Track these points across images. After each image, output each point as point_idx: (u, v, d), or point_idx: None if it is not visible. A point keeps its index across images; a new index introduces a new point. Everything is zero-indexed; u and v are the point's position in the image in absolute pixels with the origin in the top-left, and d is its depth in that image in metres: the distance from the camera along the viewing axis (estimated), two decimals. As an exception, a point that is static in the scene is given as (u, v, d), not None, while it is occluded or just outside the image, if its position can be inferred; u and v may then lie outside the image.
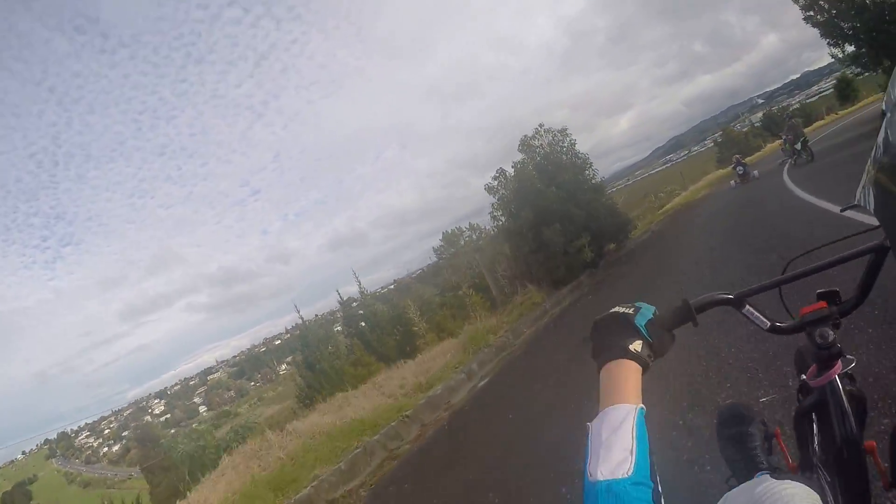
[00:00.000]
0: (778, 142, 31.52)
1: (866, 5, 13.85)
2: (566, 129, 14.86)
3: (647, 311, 0.82)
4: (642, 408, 0.66)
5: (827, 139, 22.30)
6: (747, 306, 0.95)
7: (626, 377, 0.72)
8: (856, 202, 0.82)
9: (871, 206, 0.72)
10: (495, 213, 14.15)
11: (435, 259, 40.72)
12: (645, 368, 0.75)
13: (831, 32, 15.43)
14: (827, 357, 0.94)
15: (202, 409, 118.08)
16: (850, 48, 16.04)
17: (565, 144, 14.99)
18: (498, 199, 13.95)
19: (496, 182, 14.22)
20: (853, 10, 14.09)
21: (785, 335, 0.97)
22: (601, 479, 0.57)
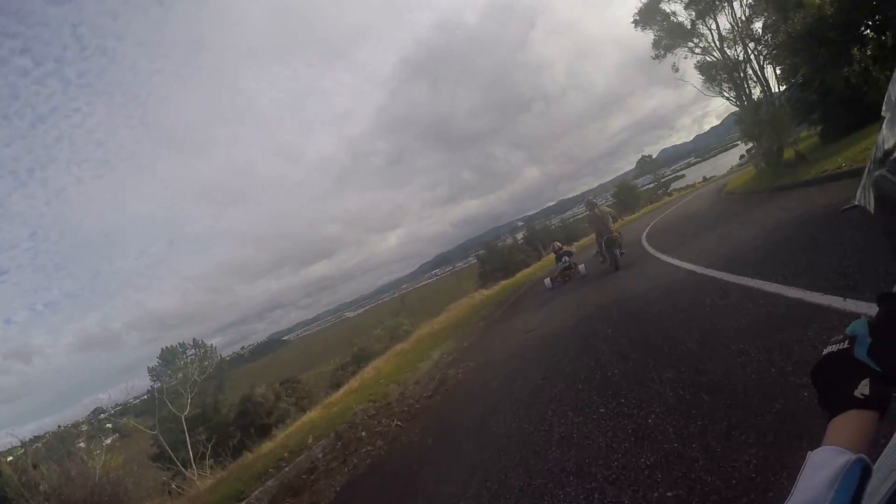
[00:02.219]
0: (549, 256, 27.78)
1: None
2: None
3: (862, 335, 0.71)
4: (862, 459, 0.59)
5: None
6: None
7: (854, 427, 0.65)
8: (856, 202, 0.78)
9: (871, 206, 0.71)
10: None
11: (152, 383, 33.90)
12: (883, 410, 0.66)
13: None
14: None
15: None
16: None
17: None
18: None
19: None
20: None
21: None
22: None
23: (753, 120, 18.09)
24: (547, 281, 14.74)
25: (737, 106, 20.25)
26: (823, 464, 0.60)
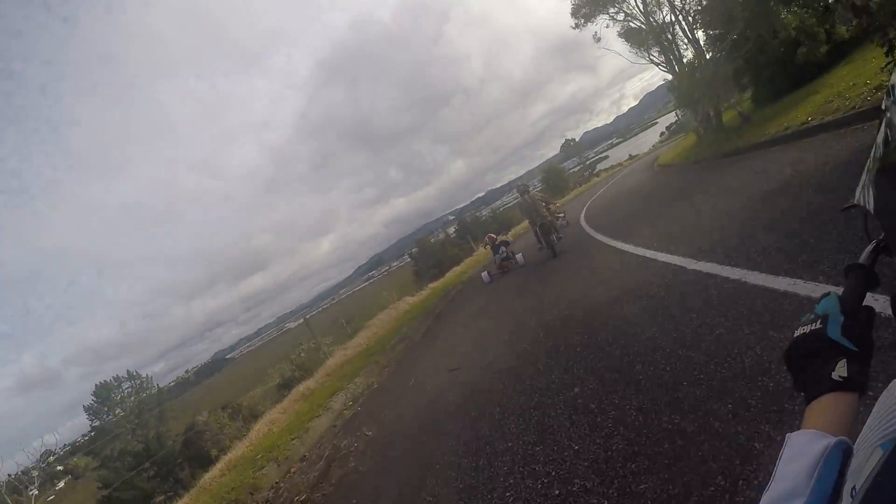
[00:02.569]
0: (482, 248, 26.31)
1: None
2: None
3: (834, 313, 0.70)
4: (842, 442, 0.58)
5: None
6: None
7: (833, 410, 0.63)
8: (855, 202, 0.75)
9: (871, 206, 0.69)
10: None
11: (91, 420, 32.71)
12: (862, 390, 0.65)
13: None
14: None
15: None
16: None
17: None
18: None
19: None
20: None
21: None
22: None
23: (689, 84, 16.40)
24: (484, 275, 13.54)
25: (667, 72, 18.54)
26: (802, 450, 0.58)
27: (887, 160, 0.63)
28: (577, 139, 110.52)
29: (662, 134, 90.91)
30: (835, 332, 0.67)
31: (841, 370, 0.64)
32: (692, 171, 13.58)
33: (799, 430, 0.62)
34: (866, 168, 0.70)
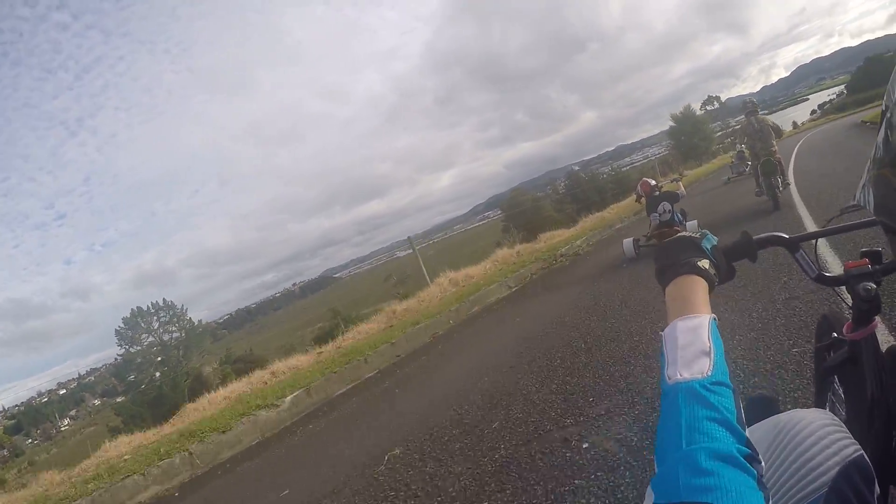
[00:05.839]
0: (637, 202, 18.79)
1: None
2: None
3: (711, 238, 0.82)
4: (714, 318, 0.65)
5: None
6: (801, 251, 0.97)
7: (695, 291, 0.70)
8: (855, 202, 0.79)
9: (871, 206, 0.72)
10: None
11: (120, 348, 33.59)
12: (711, 287, 0.73)
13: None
14: (867, 311, 0.95)
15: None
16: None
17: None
18: None
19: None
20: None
21: (828, 285, 1.01)
22: (680, 380, 0.57)
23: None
24: (627, 243, 8.72)
25: None
26: (685, 329, 0.62)
27: (887, 160, 0.63)
28: (722, 99, 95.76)
29: (814, 112, 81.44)
30: (706, 245, 0.78)
31: (704, 264, 0.72)
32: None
33: (669, 317, 0.67)
34: (867, 169, 0.71)
